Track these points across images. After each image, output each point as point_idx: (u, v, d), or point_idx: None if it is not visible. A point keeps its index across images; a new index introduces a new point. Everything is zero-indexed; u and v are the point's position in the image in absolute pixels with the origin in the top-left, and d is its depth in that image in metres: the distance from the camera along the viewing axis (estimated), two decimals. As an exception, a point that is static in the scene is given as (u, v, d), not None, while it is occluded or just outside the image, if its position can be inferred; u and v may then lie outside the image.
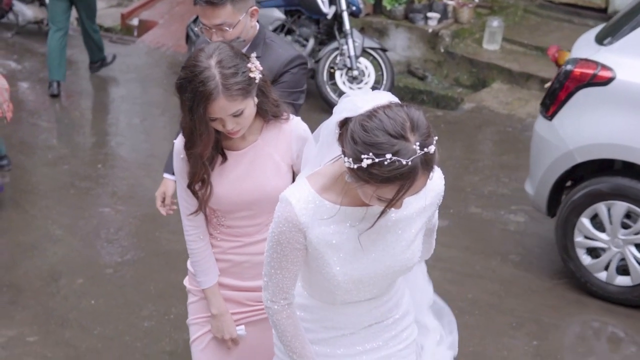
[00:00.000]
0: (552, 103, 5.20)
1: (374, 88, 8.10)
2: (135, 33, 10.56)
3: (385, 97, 2.31)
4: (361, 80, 8.13)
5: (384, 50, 8.19)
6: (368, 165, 2.21)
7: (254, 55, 2.88)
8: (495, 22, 8.92)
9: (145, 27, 10.52)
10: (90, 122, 8.23)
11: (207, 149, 2.90)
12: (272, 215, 2.93)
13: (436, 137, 2.27)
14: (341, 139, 2.32)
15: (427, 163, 2.23)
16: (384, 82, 8.10)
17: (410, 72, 9.03)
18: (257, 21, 3.55)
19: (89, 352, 4.60)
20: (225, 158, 2.98)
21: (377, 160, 2.19)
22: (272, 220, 2.90)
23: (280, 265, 2.51)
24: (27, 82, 8.96)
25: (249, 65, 2.82)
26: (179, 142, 2.99)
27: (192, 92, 2.77)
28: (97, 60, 9.04)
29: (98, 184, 6.60)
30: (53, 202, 6.31)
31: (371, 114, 2.25)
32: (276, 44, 3.56)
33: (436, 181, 2.53)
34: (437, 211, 2.69)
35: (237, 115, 2.81)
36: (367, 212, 2.44)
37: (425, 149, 2.21)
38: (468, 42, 9.06)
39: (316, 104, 8.34)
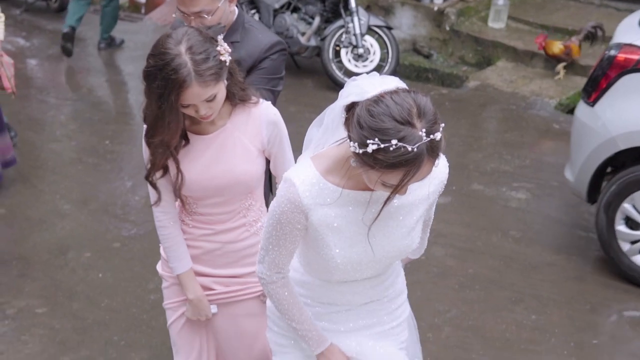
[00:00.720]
0: (594, 89, 5.11)
1: (379, 66, 8.17)
2: (143, 10, 10.61)
3: (392, 82, 2.30)
4: (366, 58, 8.18)
5: (390, 28, 8.23)
6: (373, 150, 2.20)
7: (220, 38, 2.84)
8: (500, 1, 8.94)
9: (152, 4, 10.56)
10: (99, 99, 8.30)
11: (175, 137, 2.86)
12: (244, 202, 2.96)
13: (443, 124, 2.25)
14: (347, 123, 2.31)
15: (433, 150, 2.21)
16: (389, 60, 8.15)
17: (415, 50, 9.07)
18: (239, 4, 3.52)
19: (96, 324, 4.70)
20: (187, 141, 2.94)
21: (382, 145, 2.18)
22: (244, 208, 2.93)
23: (278, 243, 2.52)
24: (36, 59, 9.04)
25: (218, 48, 2.78)
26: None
27: (163, 80, 2.71)
28: (107, 37, 9.17)
29: (106, 160, 6.69)
30: (61, 177, 6.40)
31: (378, 99, 2.23)
32: (255, 28, 3.50)
33: (441, 169, 2.52)
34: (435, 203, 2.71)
35: (210, 100, 2.79)
36: (371, 197, 2.45)
37: (432, 136, 2.19)
38: (473, 20, 9.09)
39: (322, 81, 8.41)
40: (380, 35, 8.21)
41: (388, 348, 2.72)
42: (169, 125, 2.80)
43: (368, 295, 2.68)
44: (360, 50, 8.12)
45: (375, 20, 8.18)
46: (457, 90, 8.29)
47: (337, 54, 8.23)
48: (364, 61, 8.19)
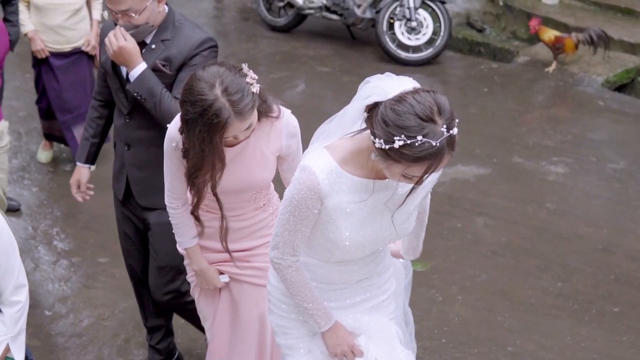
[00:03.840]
0: None
1: (431, 39, 8.43)
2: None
3: (409, 83, 2.51)
4: (419, 32, 8.44)
5: (443, 2, 8.46)
6: (400, 146, 2.39)
7: (245, 65, 2.98)
8: (555, -23, 9.08)
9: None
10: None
11: (221, 170, 3.03)
12: (255, 193, 3.19)
13: (457, 120, 2.46)
14: (370, 121, 2.50)
15: (451, 144, 2.44)
16: (442, 33, 8.40)
17: (469, 24, 9.29)
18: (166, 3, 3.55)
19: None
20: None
21: (408, 141, 2.38)
22: (255, 197, 3.17)
23: (295, 228, 2.71)
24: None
25: (248, 80, 2.92)
26: (173, 127, 3.13)
27: (205, 125, 2.86)
28: None
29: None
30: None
31: (401, 99, 2.43)
32: (185, 26, 3.53)
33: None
34: (430, 196, 2.97)
35: (248, 127, 2.98)
36: (381, 185, 2.66)
37: (451, 131, 2.42)
38: (527, -5, 9.27)
39: (375, 52, 8.71)
40: (433, 9, 8.45)
41: (380, 320, 2.99)
42: (215, 166, 2.99)
43: (362, 272, 2.91)
44: (414, 24, 8.38)
45: (429, -6, 8.43)
46: (507, 65, 8.51)
47: (390, 26, 8.50)
48: (416, 34, 8.45)
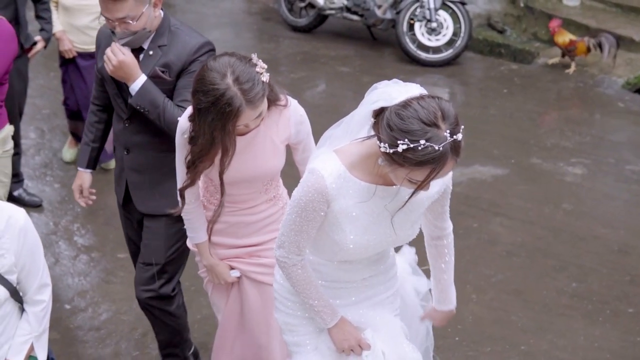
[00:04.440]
0: None
1: (451, 40, 8.45)
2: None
3: (416, 89, 2.55)
4: (439, 32, 8.47)
5: (463, 3, 8.49)
6: (403, 150, 2.44)
7: (254, 55, 3.05)
8: (576, -22, 9.08)
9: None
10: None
11: (230, 159, 3.09)
12: (265, 184, 3.24)
13: (462, 126, 2.50)
14: (376, 126, 2.54)
15: (455, 149, 2.47)
16: (462, 35, 8.43)
17: (490, 26, 9.31)
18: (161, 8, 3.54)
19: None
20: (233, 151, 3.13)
21: (412, 145, 2.42)
22: (265, 188, 3.22)
23: (301, 229, 2.76)
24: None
25: (257, 69, 3.00)
26: (183, 119, 3.19)
27: (217, 113, 2.94)
28: None
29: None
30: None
31: (406, 104, 2.48)
32: (182, 31, 3.53)
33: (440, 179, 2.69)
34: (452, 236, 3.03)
35: (258, 115, 3.06)
36: (388, 191, 2.70)
37: (455, 136, 2.45)
38: (549, -3, 9.27)
39: (395, 53, 8.75)
40: (453, 10, 8.48)
41: (385, 316, 3.04)
42: (226, 150, 3.05)
43: (366, 271, 2.97)
44: (434, 25, 8.42)
45: (449, -4, 8.47)
46: (527, 66, 8.52)
47: (411, 27, 8.53)
48: (436, 35, 8.48)
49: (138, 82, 3.46)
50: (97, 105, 3.87)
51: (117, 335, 4.64)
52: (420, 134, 2.43)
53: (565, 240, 5.58)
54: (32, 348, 3.03)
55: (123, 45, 3.46)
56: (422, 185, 2.53)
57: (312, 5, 9.15)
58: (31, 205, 5.79)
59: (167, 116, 3.46)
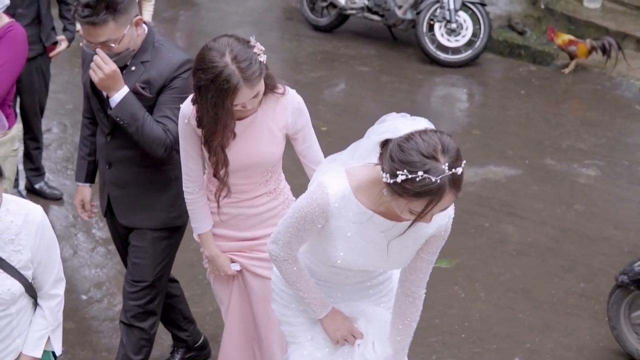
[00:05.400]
0: None
1: (470, 41, 8.51)
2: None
3: (423, 123, 2.65)
4: (459, 33, 8.53)
5: (483, 4, 8.53)
6: (402, 180, 2.52)
7: (252, 38, 3.17)
8: (597, -19, 9.10)
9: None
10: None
11: (232, 134, 3.21)
12: (265, 175, 3.33)
13: (464, 161, 2.57)
14: (381, 157, 2.64)
15: (454, 183, 2.54)
16: (481, 36, 8.48)
17: (510, 27, 9.34)
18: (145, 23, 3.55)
19: (184, 264, 5.26)
20: (234, 135, 3.25)
21: (410, 176, 2.51)
22: (265, 179, 3.31)
23: (297, 234, 2.88)
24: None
25: (255, 50, 3.12)
26: (185, 105, 3.30)
27: (217, 90, 3.06)
28: None
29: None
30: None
31: (409, 137, 2.57)
32: (165, 47, 3.55)
33: (443, 215, 2.75)
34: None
35: (255, 96, 3.17)
36: (390, 227, 2.78)
37: (454, 170, 2.51)
38: (569, -1, 9.29)
39: (415, 53, 8.80)
40: (473, 12, 8.53)
41: (376, 309, 3.12)
42: (226, 128, 3.17)
43: (358, 277, 3.07)
44: (454, 25, 8.47)
45: (469, -3, 8.52)
46: (545, 68, 8.56)
47: (430, 27, 8.59)
48: (456, 36, 8.54)
49: (120, 93, 3.46)
50: (88, 119, 3.88)
51: (131, 326, 4.76)
52: (419, 165, 2.51)
53: (576, 241, 5.63)
54: (48, 341, 3.11)
55: None
56: (420, 216, 2.59)
57: (333, 5, 9.23)
58: (52, 198, 5.93)
59: (146, 130, 3.47)
